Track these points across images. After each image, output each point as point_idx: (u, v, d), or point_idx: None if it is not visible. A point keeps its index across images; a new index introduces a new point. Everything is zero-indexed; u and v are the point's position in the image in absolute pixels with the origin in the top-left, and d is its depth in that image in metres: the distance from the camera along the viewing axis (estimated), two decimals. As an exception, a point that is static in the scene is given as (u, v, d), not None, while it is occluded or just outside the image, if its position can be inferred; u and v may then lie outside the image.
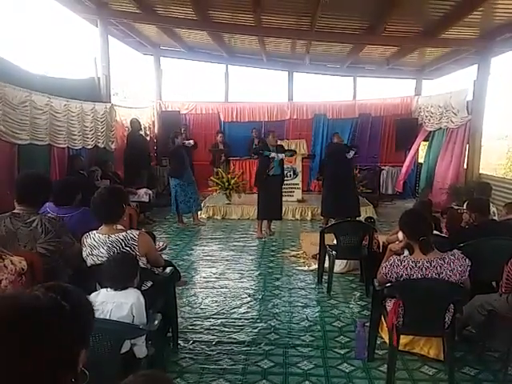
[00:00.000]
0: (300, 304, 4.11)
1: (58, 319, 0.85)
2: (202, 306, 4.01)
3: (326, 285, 4.47)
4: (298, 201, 8.41)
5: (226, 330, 3.54)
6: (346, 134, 10.19)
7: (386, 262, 2.78)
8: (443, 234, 3.94)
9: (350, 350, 3.21)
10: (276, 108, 10.66)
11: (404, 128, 9.84)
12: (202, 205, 7.88)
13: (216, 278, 4.83)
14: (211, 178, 8.49)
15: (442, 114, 8.59)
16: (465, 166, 8.08)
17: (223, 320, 3.72)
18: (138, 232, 2.76)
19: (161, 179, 9.73)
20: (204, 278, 4.83)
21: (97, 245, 2.67)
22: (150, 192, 7.62)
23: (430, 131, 9.34)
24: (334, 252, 4.47)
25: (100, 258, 2.65)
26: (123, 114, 8.33)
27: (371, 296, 3.44)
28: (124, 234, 2.68)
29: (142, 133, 8.92)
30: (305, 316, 3.83)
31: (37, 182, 2.79)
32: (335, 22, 7.10)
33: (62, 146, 5.92)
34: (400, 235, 3.24)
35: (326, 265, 4.64)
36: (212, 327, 3.58)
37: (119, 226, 2.74)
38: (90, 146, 6.72)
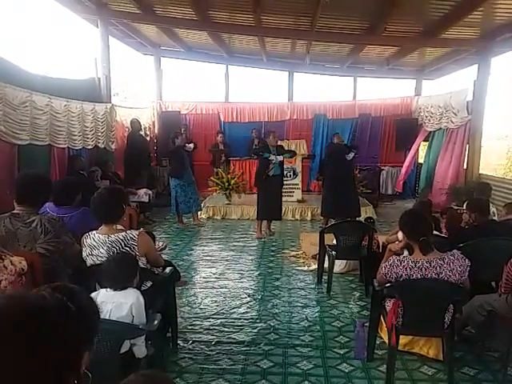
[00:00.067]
0: (299, 304, 4.12)
1: (64, 320, 0.85)
2: (201, 306, 4.02)
3: (325, 285, 4.48)
4: (298, 201, 8.41)
5: (226, 330, 3.55)
6: (346, 134, 10.20)
7: (386, 262, 2.78)
8: (443, 235, 3.95)
9: (350, 350, 3.21)
10: (276, 108, 10.66)
11: (404, 128, 9.84)
12: (202, 205, 7.88)
13: (216, 278, 4.83)
14: (211, 178, 8.49)
15: (442, 114, 8.60)
16: (465, 166, 8.08)
17: (223, 320, 3.73)
18: (137, 232, 2.76)
19: (161, 179, 9.74)
20: (204, 278, 4.84)
21: (96, 245, 2.67)
22: (150, 192, 7.62)
23: (430, 131, 9.35)
24: (333, 252, 4.47)
25: (100, 258, 2.65)
26: (123, 115, 8.34)
27: (371, 296, 3.44)
28: (124, 234, 2.68)
29: (142, 133, 8.93)
30: (304, 316, 3.83)
31: (36, 182, 2.79)
32: (335, 22, 7.10)
33: (62, 146, 5.93)
34: (400, 235, 3.24)
35: (326, 265, 4.64)
36: (211, 327, 3.59)
37: (119, 226, 2.75)
38: (90, 147, 6.73)
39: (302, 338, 3.43)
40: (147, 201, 7.43)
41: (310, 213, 7.98)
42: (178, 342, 3.27)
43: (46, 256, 2.61)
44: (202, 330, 3.53)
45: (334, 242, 4.69)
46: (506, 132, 16.72)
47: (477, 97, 7.66)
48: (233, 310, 3.94)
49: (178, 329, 3.35)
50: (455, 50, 8.24)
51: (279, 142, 7.10)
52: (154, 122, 10.42)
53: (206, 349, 3.23)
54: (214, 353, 3.17)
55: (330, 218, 6.61)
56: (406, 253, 2.92)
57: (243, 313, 3.90)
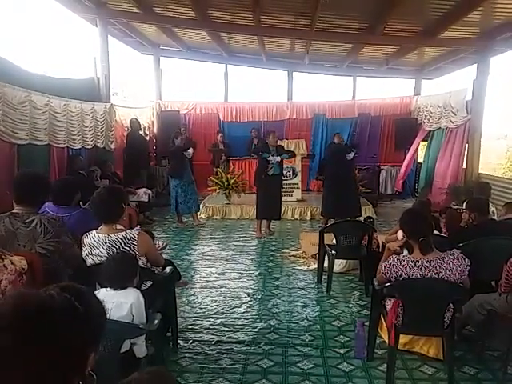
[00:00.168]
0: (299, 303, 4.12)
1: (71, 320, 0.84)
2: (201, 306, 4.02)
3: (325, 284, 4.48)
4: (298, 200, 8.41)
5: (226, 329, 3.55)
6: (346, 133, 10.18)
7: (386, 261, 2.78)
8: (442, 234, 3.95)
9: (350, 349, 3.21)
10: (275, 108, 10.66)
11: (403, 128, 9.84)
12: (202, 205, 7.88)
13: (215, 277, 4.83)
14: (210, 177, 8.49)
15: (442, 114, 8.60)
16: (464, 166, 8.09)
17: (223, 319, 3.73)
18: (137, 232, 2.76)
19: (160, 179, 9.73)
20: (203, 277, 4.84)
21: (96, 244, 2.67)
22: (150, 192, 7.62)
23: (430, 131, 9.35)
24: (333, 252, 4.47)
25: (100, 258, 2.65)
26: (123, 114, 8.33)
27: (371, 295, 3.44)
28: (123, 233, 2.68)
29: (141, 133, 8.92)
30: (304, 315, 3.83)
31: (34, 182, 2.77)
32: (335, 21, 7.11)
33: (61, 145, 5.92)
34: (399, 234, 3.25)
35: (326, 264, 4.64)
36: (211, 327, 3.59)
37: (119, 226, 2.74)
38: (89, 146, 6.72)
39: (302, 337, 3.43)
40: (147, 200, 7.43)
41: (309, 212, 7.98)
42: (178, 341, 3.27)
43: (46, 256, 2.60)
44: (202, 330, 3.53)
45: (334, 241, 4.70)
46: (505, 131, 16.74)
47: (476, 96, 7.67)
48: (233, 310, 3.94)
49: (178, 328, 3.35)
50: (454, 49, 8.25)
51: (279, 142, 7.10)
52: (153, 122, 10.41)
53: (206, 348, 3.23)
54: (214, 352, 3.17)
55: (331, 218, 6.62)
56: (405, 252, 2.92)
57: (243, 312, 3.90)
